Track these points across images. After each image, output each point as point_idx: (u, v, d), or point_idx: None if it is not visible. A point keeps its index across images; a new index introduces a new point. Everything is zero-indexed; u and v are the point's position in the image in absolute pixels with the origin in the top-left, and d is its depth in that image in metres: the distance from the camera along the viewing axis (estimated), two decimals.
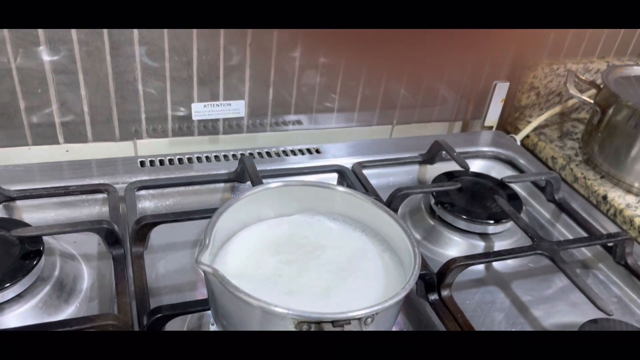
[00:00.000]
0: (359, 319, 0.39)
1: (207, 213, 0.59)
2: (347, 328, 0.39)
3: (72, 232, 0.57)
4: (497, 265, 0.66)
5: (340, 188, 0.51)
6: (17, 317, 0.50)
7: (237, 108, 0.75)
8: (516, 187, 0.78)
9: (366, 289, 0.46)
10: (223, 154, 0.75)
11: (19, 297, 0.51)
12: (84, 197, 0.64)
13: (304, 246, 0.49)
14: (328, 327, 0.39)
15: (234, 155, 0.74)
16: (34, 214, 0.62)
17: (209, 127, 0.78)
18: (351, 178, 0.72)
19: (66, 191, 0.63)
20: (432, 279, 0.56)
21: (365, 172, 0.75)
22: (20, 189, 0.62)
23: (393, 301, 0.41)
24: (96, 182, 0.66)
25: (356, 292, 0.45)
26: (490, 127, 0.94)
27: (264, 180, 0.66)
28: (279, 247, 0.49)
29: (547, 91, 0.93)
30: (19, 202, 0.62)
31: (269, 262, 0.47)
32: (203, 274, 0.45)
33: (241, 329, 0.43)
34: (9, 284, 0.50)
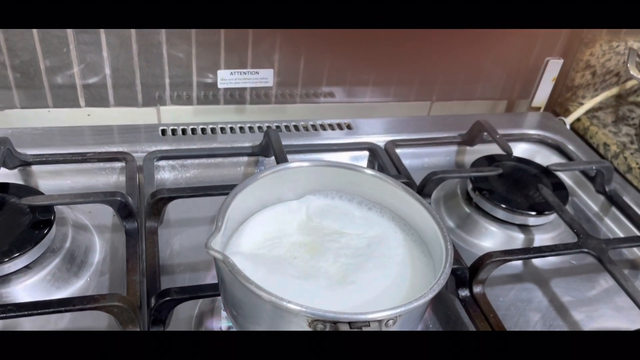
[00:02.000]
0: (380, 320, 0.36)
1: (226, 189, 0.55)
2: (365, 330, 0.35)
3: (84, 203, 0.54)
4: (536, 260, 0.61)
5: (369, 171, 0.47)
6: (25, 289, 0.48)
7: (265, 77, 0.71)
8: (562, 176, 0.72)
9: (387, 278, 0.42)
10: (249, 125, 0.71)
11: (27, 268, 0.49)
12: (101, 164, 0.62)
13: (322, 230, 0.45)
14: (344, 328, 0.35)
15: (259, 128, 0.71)
16: (50, 180, 0.60)
17: (236, 96, 0.74)
18: (383, 157, 0.67)
19: (83, 158, 0.61)
20: (464, 274, 0.52)
21: (399, 151, 0.70)
22: (37, 154, 0.60)
23: (419, 302, 0.37)
24: (115, 149, 0.63)
25: (376, 280, 0.42)
26: (538, 108, 0.87)
27: (289, 156, 0.62)
28: (297, 230, 0.45)
29: (604, 70, 0.85)
30: (34, 167, 0.60)
31: (284, 245, 0.43)
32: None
33: (251, 320, 0.39)
34: (17, 254, 0.48)
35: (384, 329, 0.36)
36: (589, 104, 0.84)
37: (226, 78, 0.70)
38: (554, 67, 0.84)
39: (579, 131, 0.84)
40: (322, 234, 0.45)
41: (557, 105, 0.88)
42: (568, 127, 0.83)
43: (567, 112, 0.86)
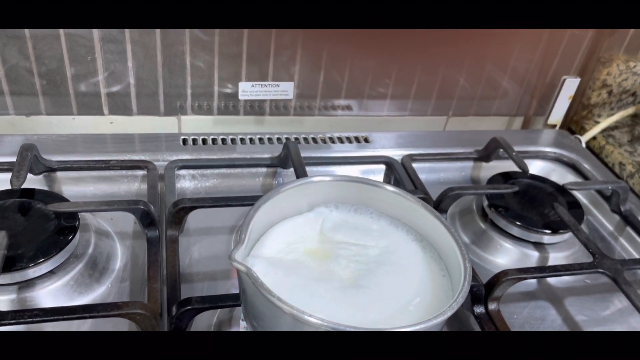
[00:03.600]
0: None
1: (245, 200, 0.56)
2: None
3: (108, 211, 0.55)
4: (550, 278, 0.61)
5: (389, 187, 0.48)
6: (48, 293, 0.49)
7: (285, 90, 0.72)
8: (578, 194, 0.72)
9: (401, 286, 0.42)
10: (268, 136, 0.72)
11: (51, 273, 0.50)
12: (123, 172, 0.63)
13: (337, 239, 0.46)
14: None
15: (278, 139, 0.72)
16: (73, 187, 0.61)
17: (255, 108, 0.75)
18: (399, 171, 0.68)
19: (106, 165, 0.62)
20: (480, 291, 0.52)
21: (415, 165, 0.71)
22: (61, 160, 0.61)
23: (437, 320, 0.37)
24: (137, 157, 0.64)
25: (388, 286, 0.42)
26: (554, 126, 0.88)
27: (308, 169, 0.63)
28: (313, 239, 0.46)
29: (620, 90, 0.86)
30: (59, 174, 0.61)
31: (300, 250, 0.44)
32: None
33: None
34: (42, 260, 0.49)
35: None
36: (604, 122, 0.84)
37: (247, 90, 0.71)
38: (570, 86, 0.84)
39: (594, 150, 0.84)
40: (337, 242, 0.46)
41: (573, 123, 0.89)
42: (584, 145, 0.84)
43: (582, 131, 0.86)
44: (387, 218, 0.48)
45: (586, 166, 0.77)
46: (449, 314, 0.38)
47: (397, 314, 0.40)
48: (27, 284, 0.48)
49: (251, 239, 0.44)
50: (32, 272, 0.48)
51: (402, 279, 0.43)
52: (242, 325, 0.49)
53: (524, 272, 0.54)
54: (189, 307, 0.45)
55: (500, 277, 0.52)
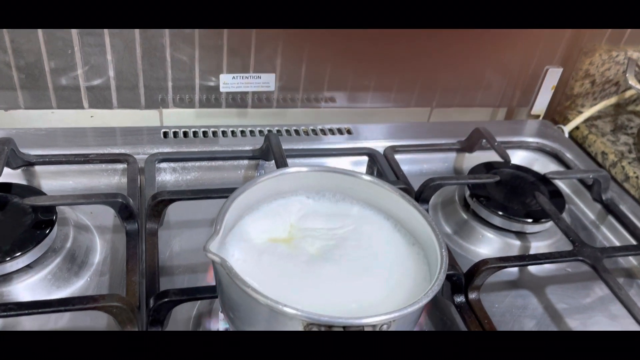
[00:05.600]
0: (374, 325, 0.36)
1: (225, 193, 0.55)
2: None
3: (86, 204, 0.55)
4: (531, 267, 0.61)
5: (366, 176, 0.48)
6: (26, 288, 0.49)
7: (267, 82, 0.72)
8: (560, 184, 0.73)
9: (369, 260, 0.43)
10: (250, 129, 0.72)
11: (28, 267, 0.49)
12: (103, 166, 0.62)
13: (312, 224, 0.46)
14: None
15: (260, 132, 0.71)
16: (53, 181, 0.61)
17: (238, 100, 0.74)
18: (382, 163, 0.68)
19: (86, 159, 0.61)
20: (460, 280, 0.52)
21: (398, 157, 0.71)
22: (40, 154, 0.61)
23: (413, 308, 0.37)
24: (117, 151, 0.64)
25: (357, 259, 0.43)
26: (537, 116, 0.88)
27: (290, 160, 0.63)
28: (286, 228, 0.46)
29: (603, 80, 0.86)
30: (37, 168, 0.61)
31: (271, 238, 0.44)
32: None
33: (248, 322, 0.40)
34: (19, 254, 0.48)
35: None
36: (587, 112, 0.84)
37: (228, 82, 0.70)
38: (553, 76, 0.84)
39: (577, 139, 0.84)
40: (308, 229, 0.45)
41: (556, 114, 0.89)
42: (567, 135, 0.84)
43: (566, 121, 0.86)
44: (364, 206, 0.48)
45: (569, 156, 0.77)
46: (425, 301, 0.38)
47: (371, 292, 0.40)
48: (3, 279, 0.48)
49: (227, 229, 0.44)
50: (9, 266, 0.48)
51: (369, 252, 0.43)
52: (221, 317, 0.49)
53: (503, 261, 0.54)
54: (167, 300, 0.45)
55: (480, 266, 0.52)
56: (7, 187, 0.54)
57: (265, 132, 0.70)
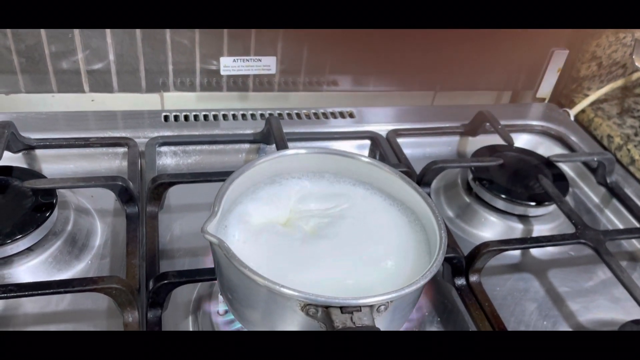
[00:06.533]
0: (371, 306, 0.36)
1: (225, 176, 0.55)
2: (356, 316, 0.35)
3: (86, 187, 0.55)
4: (534, 250, 0.61)
5: (365, 158, 0.47)
6: (27, 270, 0.49)
7: (268, 64, 0.71)
8: (564, 167, 0.72)
9: (364, 236, 0.43)
10: (251, 112, 0.71)
11: (29, 250, 0.50)
12: (104, 149, 0.62)
13: (308, 209, 0.45)
14: (336, 312, 0.36)
15: (261, 115, 0.71)
16: (53, 165, 0.61)
17: (239, 83, 0.74)
18: (384, 147, 0.67)
19: (86, 143, 0.61)
20: (461, 263, 0.52)
21: (401, 140, 0.70)
22: (41, 138, 0.61)
23: (411, 289, 0.37)
24: (118, 135, 0.63)
25: (351, 235, 0.43)
26: (543, 99, 0.87)
27: (291, 144, 0.63)
28: (285, 210, 0.45)
29: (610, 62, 0.85)
30: (38, 152, 0.61)
31: (273, 215, 0.44)
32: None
33: (245, 304, 0.40)
34: (19, 236, 0.48)
35: (375, 315, 0.36)
36: (594, 95, 0.83)
37: (229, 65, 0.70)
38: (559, 58, 0.83)
39: (583, 123, 0.83)
40: (306, 210, 0.45)
41: (562, 97, 0.88)
42: (572, 118, 0.83)
43: (571, 104, 0.85)
44: (364, 186, 0.48)
45: (573, 139, 0.76)
46: (423, 282, 0.38)
47: (369, 271, 0.40)
48: (4, 261, 0.48)
49: (225, 211, 0.44)
50: (10, 249, 0.48)
51: (367, 229, 0.43)
52: (221, 299, 0.49)
53: (504, 244, 0.54)
54: (166, 282, 0.45)
55: (481, 249, 0.52)
56: (7, 170, 0.54)
57: (267, 116, 0.70)
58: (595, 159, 0.68)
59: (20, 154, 0.60)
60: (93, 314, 0.47)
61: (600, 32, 0.81)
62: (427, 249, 0.44)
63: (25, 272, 0.49)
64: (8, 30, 0.63)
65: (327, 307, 0.35)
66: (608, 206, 0.68)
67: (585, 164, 0.72)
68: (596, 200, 0.70)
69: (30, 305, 0.47)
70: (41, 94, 0.68)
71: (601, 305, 0.56)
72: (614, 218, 0.67)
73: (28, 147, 0.60)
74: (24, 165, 0.60)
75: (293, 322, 0.37)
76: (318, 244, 0.41)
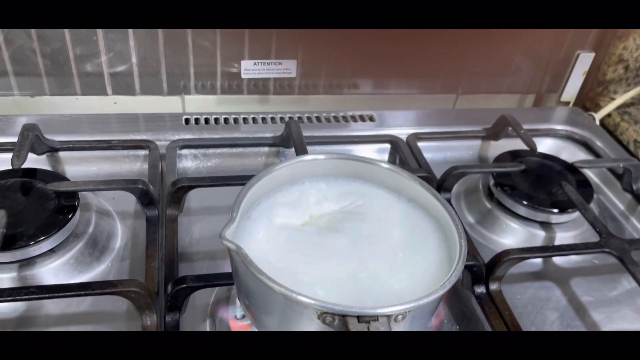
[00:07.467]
0: (389, 315, 0.36)
1: (245, 180, 0.55)
2: (373, 325, 0.35)
3: (107, 190, 0.55)
4: (557, 258, 0.60)
5: (384, 164, 0.47)
6: (49, 271, 0.50)
7: (288, 68, 0.71)
8: (588, 173, 0.70)
9: (378, 233, 0.43)
10: (271, 116, 0.71)
11: (51, 251, 0.50)
12: (125, 152, 0.63)
13: (327, 213, 0.45)
14: (353, 322, 0.35)
15: (281, 118, 0.71)
16: (76, 167, 0.62)
17: (260, 86, 0.74)
18: (404, 151, 0.67)
19: (108, 145, 0.62)
20: (480, 271, 0.51)
21: (421, 144, 0.70)
22: (64, 140, 0.62)
23: (429, 299, 0.37)
24: (139, 137, 0.64)
25: (365, 231, 0.43)
26: (567, 103, 0.86)
27: (310, 148, 0.62)
28: (304, 214, 0.45)
29: (637, 65, 0.83)
30: (61, 154, 0.62)
31: (292, 216, 0.45)
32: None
33: (262, 310, 0.40)
34: (42, 238, 0.49)
35: (392, 323, 0.36)
36: (620, 99, 0.81)
37: (250, 68, 0.70)
38: (585, 61, 0.82)
39: (609, 127, 0.82)
40: (324, 214, 0.45)
41: (587, 100, 0.86)
42: (597, 122, 0.81)
43: (597, 107, 0.84)
44: (384, 189, 0.47)
45: (599, 144, 0.75)
46: (442, 292, 0.37)
47: (379, 264, 0.41)
48: (27, 263, 0.49)
49: (244, 216, 0.44)
50: (33, 250, 0.49)
51: (378, 225, 0.44)
52: (238, 304, 0.49)
53: (526, 252, 0.53)
54: (184, 286, 0.45)
55: (502, 257, 0.51)
56: (31, 172, 0.55)
57: (287, 119, 0.70)
58: (621, 165, 0.67)
59: (44, 156, 0.61)
60: (112, 316, 0.48)
61: (628, 35, 0.79)
62: (447, 251, 0.43)
63: (47, 273, 0.49)
64: (34, 33, 0.64)
65: (344, 316, 0.35)
66: (634, 214, 0.67)
67: (611, 170, 0.70)
68: (621, 207, 0.68)
69: (52, 306, 0.48)
70: (65, 97, 0.69)
71: (625, 316, 0.54)
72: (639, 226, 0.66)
73: (52, 150, 0.61)
74: (48, 168, 0.61)
75: (309, 329, 0.37)
76: (333, 237, 0.42)
